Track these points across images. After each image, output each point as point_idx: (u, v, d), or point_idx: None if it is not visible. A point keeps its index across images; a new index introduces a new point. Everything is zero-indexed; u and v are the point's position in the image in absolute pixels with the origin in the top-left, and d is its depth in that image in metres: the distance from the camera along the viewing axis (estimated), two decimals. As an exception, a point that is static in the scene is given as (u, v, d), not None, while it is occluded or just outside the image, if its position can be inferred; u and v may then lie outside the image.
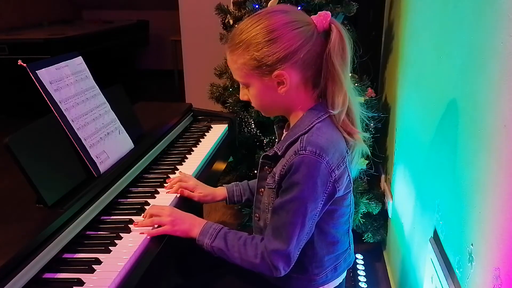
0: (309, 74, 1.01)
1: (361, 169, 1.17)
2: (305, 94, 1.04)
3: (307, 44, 0.98)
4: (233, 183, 1.35)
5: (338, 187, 1.01)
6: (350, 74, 1.05)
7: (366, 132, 1.11)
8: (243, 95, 1.09)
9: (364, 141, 1.10)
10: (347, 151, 1.04)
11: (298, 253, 1.02)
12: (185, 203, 1.27)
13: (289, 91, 1.01)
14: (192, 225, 1.10)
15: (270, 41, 0.97)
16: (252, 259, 1.03)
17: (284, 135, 1.12)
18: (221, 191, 1.33)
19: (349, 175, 1.06)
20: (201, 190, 1.31)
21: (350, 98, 1.03)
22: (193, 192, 1.29)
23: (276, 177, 1.03)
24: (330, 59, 0.99)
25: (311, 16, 1.02)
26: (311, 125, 1.01)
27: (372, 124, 1.13)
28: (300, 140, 0.99)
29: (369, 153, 1.14)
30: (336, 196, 1.03)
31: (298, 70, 1.00)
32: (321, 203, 1.00)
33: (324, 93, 1.03)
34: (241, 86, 1.09)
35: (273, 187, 1.05)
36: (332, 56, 0.99)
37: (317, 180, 0.97)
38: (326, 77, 1.00)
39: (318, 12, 1.01)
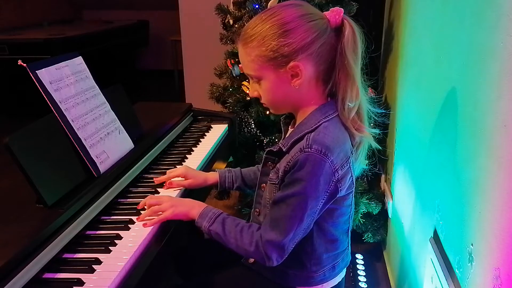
0: (321, 68, 1.02)
1: (364, 169, 1.16)
2: (316, 90, 1.04)
3: (322, 37, 0.99)
4: (225, 168, 1.36)
5: (340, 187, 1.02)
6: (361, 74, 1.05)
7: (374, 128, 1.11)
8: (253, 91, 1.08)
9: (374, 137, 1.10)
10: (351, 152, 1.04)
11: (293, 246, 1.02)
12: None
13: (301, 84, 1.01)
14: (192, 207, 1.12)
15: (286, 32, 0.97)
16: (246, 247, 1.03)
17: (290, 131, 1.12)
18: (212, 176, 1.34)
19: (352, 176, 1.06)
20: (191, 177, 1.32)
21: (360, 94, 1.04)
22: (184, 179, 1.32)
23: (280, 173, 1.03)
24: (345, 54, 0.99)
25: (323, 12, 1.03)
26: (318, 124, 1.01)
27: (379, 121, 1.12)
28: (306, 138, 1.00)
29: (380, 148, 1.15)
30: (337, 195, 1.03)
31: (312, 63, 1.00)
32: (322, 202, 1.00)
33: (337, 88, 1.03)
34: (251, 81, 1.08)
35: (276, 182, 1.05)
36: (346, 50, 0.99)
37: (320, 178, 0.97)
38: (340, 72, 1.01)
39: (331, 9, 1.02)
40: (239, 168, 1.36)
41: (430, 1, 1.44)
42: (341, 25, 1.01)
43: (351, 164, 1.04)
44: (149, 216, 1.13)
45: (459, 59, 1.08)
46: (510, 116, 0.77)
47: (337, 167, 0.99)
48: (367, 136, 1.07)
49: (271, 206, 1.05)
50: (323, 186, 0.98)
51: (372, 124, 1.12)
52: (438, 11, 1.31)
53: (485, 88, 0.90)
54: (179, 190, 1.30)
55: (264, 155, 1.12)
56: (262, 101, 1.09)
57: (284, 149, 1.04)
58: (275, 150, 1.07)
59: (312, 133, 1.00)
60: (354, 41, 1.00)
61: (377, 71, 2.33)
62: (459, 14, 1.09)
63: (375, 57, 2.30)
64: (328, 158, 0.97)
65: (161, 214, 1.13)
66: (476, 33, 0.97)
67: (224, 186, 1.33)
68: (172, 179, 1.32)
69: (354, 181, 1.09)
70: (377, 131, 1.11)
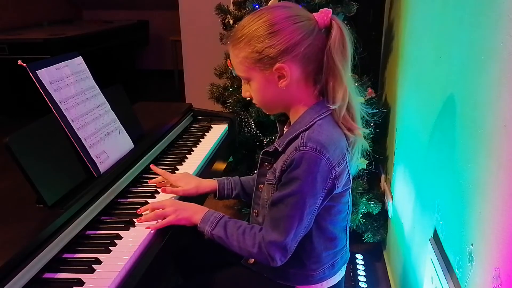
0: (309, 69, 1.02)
1: (361, 168, 1.17)
2: (306, 90, 1.04)
3: (308, 38, 0.99)
4: (224, 177, 1.33)
5: (337, 184, 1.02)
6: (350, 74, 1.05)
7: (367, 128, 1.11)
8: (245, 91, 1.09)
9: (365, 137, 1.10)
10: (347, 149, 1.05)
11: (295, 245, 1.02)
12: (187, 199, 1.27)
13: (289, 85, 1.02)
14: (194, 212, 1.12)
15: (271, 34, 0.98)
16: (249, 248, 1.04)
17: (285, 131, 1.12)
18: (208, 183, 1.30)
19: (348, 173, 1.06)
20: (183, 184, 1.27)
21: (350, 94, 1.04)
22: (175, 185, 1.28)
23: (277, 173, 1.03)
24: (331, 55, 0.99)
25: (313, 13, 1.03)
26: (312, 122, 1.02)
27: (372, 121, 1.13)
28: (301, 136, 1.00)
29: (369, 149, 1.15)
30: (334, 192, 1.03)
31: (298, 64, 1.00)
32: (320, 199, 1.01)
33: (325, 88, 1.03)
34: (243, 82, 1.09)
35: (274, 183, 1.06)
36: (333, 51, 0.99)
37: (317, 175, 0.98)
38: (327, 73, 1.01)
39: (320, 10, 1.02)
40: (237, 176, 1.34)
41: (430, 1, 1.44)
42: (330, 26, 1.01)
43: (347, 161, 1.04)
44: (152, 219, 1.13)
45: (459, 59, 1.08)
46: (510, 116, 0.77)
47: (334, 164, 0.99)
48: (359, 137, 1.07)
49: (270, 206, 1.05)
50: (320, 183, 0.99)
51: (372, 124, 1.12)
52: (438, 11, 1.31)
53: (485, 88, 0.90)
54: (176, 196, 1.28)
55: (260, 155, 1.12)
56: (253, 102, 1.10)
57: (279, 149, 1.04)
58: (271, 150, 1.08)
59: (307, 132, 1.00)
60: (342, 43, 1.00)
61: (377, 71, 2.33)
62: (459, 14, 1.09)
63: (375, 57, 2.30)
64: (323, 156, 0.97)
65: (162, 217, 1.12)
66: (476, 33, 0.97)
67: (222, 194, 1.30)
68: (166, 186, 1.29)
69: (351, 178, 1.09)
70: (367, 130, 1.11)
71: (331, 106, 1.02)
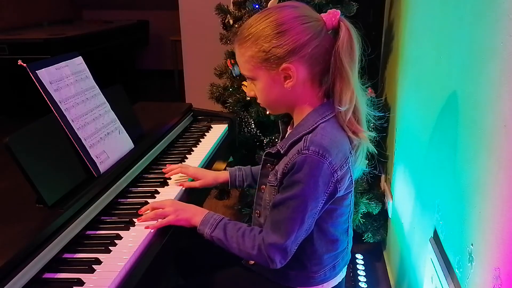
0: (316, 70, 1.01)
1: (364, 171, 1.16)
2: (311, 91, 1.04)
3: (316, 39, 0.98)
4: (236, 167, 1.37)
5: (339, 188, 1.01)
6: (358, 76, 1.05)
7: (372, 131, 1.11)
8: (250, 90, 1.10)
9: (370, 140, 1.09)
10: (350, 152, 1.04)
11: (296, 247, 1.02)
12: (187, 199, 1.28)
13: (295, 86, 1.01)
14: (194, 214, 1.13)
15: (279, 34, 0.98)
16: (249, 250, 1.04)
17: (288, 133, 1.12)
18: (223, 174, 1.36)
19: (351, 176, 1.05)
20: (201, 177, 1.34)
21: (357, 96, 1.03)
22: (193, 179, 1.34)
23: (278, 175, 1.03)
24: (339, 56, 0.99)
25: (321, 14, 1.02)
26: (315, 125, 1.01)
27: (378, 124, 1.12)
28: (304, 139, 0.99)
29: (376, 152, 1.15)
30: (336, 196, 1.03)
31: (305, 65, 1.00)
32: (321, 202, 1.00)
33: (332, 90, 1.02)
34: (248, 81, 1.09)
35: (275, 185, 1.05)
36: (341, 53, 0.99)
37: (318, 179, 0.97)
38: (334, 74, 1.00)
39: (328, 10, 1.01)
40: (249, 166, 1.37)
41: (430, 1, 1.44)
42: (338, 27, 1.00)
43: (350, 164, 1.04)
44: (151, 218, 1.13)
45: (459, 59, 1.08)
46: (510, 116, 0.77)
47: (336, 168, 0.99)
48: (365, 140, 1.06)
49: (271, 209, 1.04)
50: (322, 187, 0.98)
51: (372, 125, 1.12)
52: (438, 11, 1.32)
53: (485, 88, 0.90)
54: (179, 190, 1.31)
55: (263, 156, 1.12)
56: (258, 101, 1.10)
57: (282, 151, 1.04)
58: (273, 152, 1.07)
59: (310, 135, 1.00)
60: (350, 44, 0.99)
61: (377, 71, 2.33)
62: (459, 14, 1.09)
63: (375, 58, 2.30)
64: (326, 159, 0.97)
65: (162, 216, 1.13)
66: (476, 33, 0.97)
67: (234, 184, 1.35)
68: (183, 181, 1.35)
69: (353, 181, 1.08)
70: (373, 134, 1.11)
71: (339, 108, 1.01)
